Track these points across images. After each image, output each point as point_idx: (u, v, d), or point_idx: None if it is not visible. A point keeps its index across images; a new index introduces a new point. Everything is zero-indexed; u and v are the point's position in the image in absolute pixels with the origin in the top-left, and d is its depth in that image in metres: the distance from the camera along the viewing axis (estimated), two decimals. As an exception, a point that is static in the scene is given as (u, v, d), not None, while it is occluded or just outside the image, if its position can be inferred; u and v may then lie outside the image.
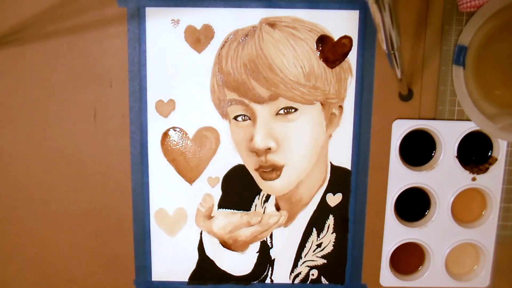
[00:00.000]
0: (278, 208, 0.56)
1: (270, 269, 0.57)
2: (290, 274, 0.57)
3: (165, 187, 0.55)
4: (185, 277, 0.57)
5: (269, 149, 0.54)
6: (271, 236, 0.56)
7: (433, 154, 0.56)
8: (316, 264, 0.57)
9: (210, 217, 0.56)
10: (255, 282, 0.57)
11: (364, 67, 0.53)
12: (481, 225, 0.56)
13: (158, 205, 0.56)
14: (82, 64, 0.53)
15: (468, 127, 0.54)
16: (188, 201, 0.56)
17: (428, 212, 0.57)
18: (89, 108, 0.54)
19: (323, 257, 0.57)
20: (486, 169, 0.55)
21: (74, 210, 0.56)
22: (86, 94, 0.54)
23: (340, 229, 0.56)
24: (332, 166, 0.55)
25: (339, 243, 0.57)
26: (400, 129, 0.54)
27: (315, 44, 0.52)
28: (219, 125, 0.54)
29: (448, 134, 0.54)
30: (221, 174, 0.55)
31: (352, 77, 0.53)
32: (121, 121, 0.54)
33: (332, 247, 0.57)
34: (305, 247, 0.57)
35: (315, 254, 0.57)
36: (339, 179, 0.55)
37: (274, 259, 0.57)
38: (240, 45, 0.52)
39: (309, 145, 0.54)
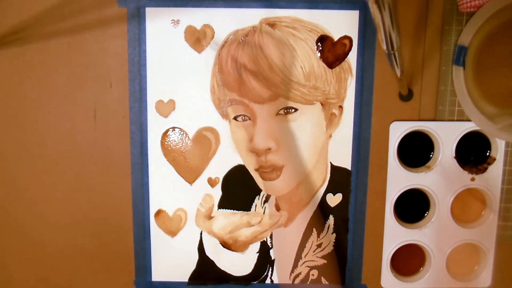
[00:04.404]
0: (278, 208, 0.56)
1: (270, 269, 0.57)
2: (290, 274, 0.57)
3: (165, 187, 0.55)
4: (185, 277, 0.57)
5: (269, 149, 0.54)
6: (271, 237, 0.56)
7: (431, 155, 0.56)
8: (316, 264, 0.57)
9: (210, 217, 0.56)
10: (255, 282, 0.57)
11: (364, 67, 0.53)
12: (481, 225, 0.56)
13: (158, 205, 0.56)
14: (82, 64, 0.53)
15: (465, 127, 0.54)
16: (188, 201, 0.56)
17: (427, 213, 0.57)
18: (89, 108, 0.54)
19: (323, 257, 0.57)
20: (485, 169, 0.55)
21: (74, 210, 0.56)
22: (86, 94, 0.54)
23: (340, 229, 0.56)
24: (332, 166, 0.55)
25: (339, 243, 0.57)
26: (398, 131, 0.54)
27: (315, 44, 0.52)
28: (219, 125, 0.54)
29: (446, 135, 0.54)
30: (221, 174, 0.55)
31: (352, 77, 0.53)
32: (121, 121, 0.54)
33: (332, 248, 0.57)
34: (305, 247, 0.57)
35: (315, 254, 0.57)
36: (339, 179, 0.55)
37: (274, 260, 0.57)
38: (240, 45, 0.52)
39: (309, 145, 0.54)
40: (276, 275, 0.57)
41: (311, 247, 0.57)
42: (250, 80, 0.52)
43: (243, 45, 0.52)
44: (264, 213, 0.56)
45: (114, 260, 0.57)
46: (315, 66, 0.53)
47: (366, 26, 0.52)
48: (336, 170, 0.55)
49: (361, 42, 0.52)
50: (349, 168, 0.55)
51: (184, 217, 0.56)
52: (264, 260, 0.57)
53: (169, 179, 0.55)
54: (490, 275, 0.57)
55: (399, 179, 0.55)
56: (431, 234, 0.56)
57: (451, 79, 0.53)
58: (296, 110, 0.53)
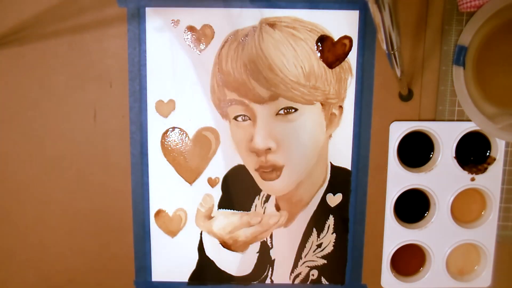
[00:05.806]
0: (278, 208, 0.56)
1: (270, 269, 0.57)
2: (290, 274, 0.57)
3: (165, 187, 0.55)
4: (185, 278, 0.57)
5: (269, 149, 0.54)
6: (271, 237, 0.56)
7: (431, 155, 0.56)
8: (316, 264, 0.57)
9: (210, 217, 0.56)
10: (255, 282, 0.57)
11: (364, 67, 0.53)
12: (481, 225, 0.56)
13: (158, 205, 0.56)
14: (82, 64, 0.53)
15: (465, 127, 0.54)
16: (188, 201, 0.56)
17: (427, 213, 0.57)
18: (89, 108, 0.54)
19: (323, 257, 0.57)
20: (485, 169, 0.55)
21: (74, 210, 0.56)
22: (86, 94, 0.54)
23: (340, 230, 0.56)
24: (332, 166, 0.55)
25: (339, 243, 0.57)
26: (398, 131, 0.54)
27: (315, 44, 0.52)
28: (219, 125, 0.54)
29: (446, 135, 0.54)
30: (221, 174, 0.55)
31: (352, 77, 0.53)
32: (121, 121, 0.54)
33: (332, 248, 0.57)
34: (305, 247, 0.57)
35: (315, 254, 0.57)
36: (339, 179, 0.55)
37: (274, 260, 0.57)
38: (240, 45, 0.52)
39: (309, 145, 0.54)
40: (276, 275, 0.57)
41: (311, 247, 0.57)
42: (250, 80, 0.52)
43: (243, 45, 0.52)
44: (264, 213, 0.56)
45: (114, 260, 0.57)
46: (315, 66, 0.53)
47: (366, 26, 0.52)
48: (336, 170, 0.55)
49: (361, 42, 0.52)
50: (349, 168, 0.55)
51: (184, 217, 0.56)
52: (264, 260, 0.57)
53: (169, 179, 0.55)
54: (490, 275, 0.57)
55: (399, 179, 0.55)
56: (431, 234, 0.56)
57: (451, 79, 0.53)
58: (296, 110, 0.53)
